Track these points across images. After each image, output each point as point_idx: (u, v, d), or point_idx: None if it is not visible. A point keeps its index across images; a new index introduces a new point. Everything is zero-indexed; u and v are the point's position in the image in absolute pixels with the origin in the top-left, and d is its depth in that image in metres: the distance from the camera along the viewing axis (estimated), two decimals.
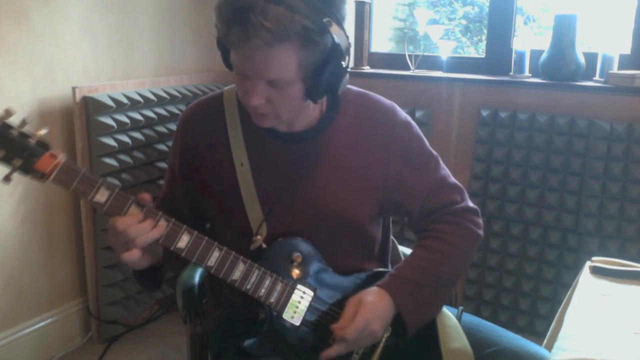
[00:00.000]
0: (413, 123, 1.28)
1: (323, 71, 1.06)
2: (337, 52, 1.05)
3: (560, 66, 2.15)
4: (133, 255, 1.05)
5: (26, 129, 1.02)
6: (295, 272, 1.18)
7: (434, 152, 1.30)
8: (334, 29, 1.03)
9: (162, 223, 1.06)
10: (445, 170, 1.30)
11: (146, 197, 1.07)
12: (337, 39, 1.04)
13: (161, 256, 1.16)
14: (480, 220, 1.30)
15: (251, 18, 0.97)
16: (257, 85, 1.06)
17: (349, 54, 1.09)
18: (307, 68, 1.06)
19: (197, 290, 1.41)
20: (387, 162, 1.23)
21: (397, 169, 1.23)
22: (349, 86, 1.28)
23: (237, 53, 1.05)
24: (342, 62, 1.08)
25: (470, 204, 1.30)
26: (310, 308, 1.18)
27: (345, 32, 1.08)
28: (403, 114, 1.28)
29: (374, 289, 1.19)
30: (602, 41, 2.18)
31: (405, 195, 1.25)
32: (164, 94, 2.37)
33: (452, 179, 1.30)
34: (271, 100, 1.09)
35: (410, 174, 1.24)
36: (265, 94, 1.07)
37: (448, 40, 2.57)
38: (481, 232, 1.29)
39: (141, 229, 1.04)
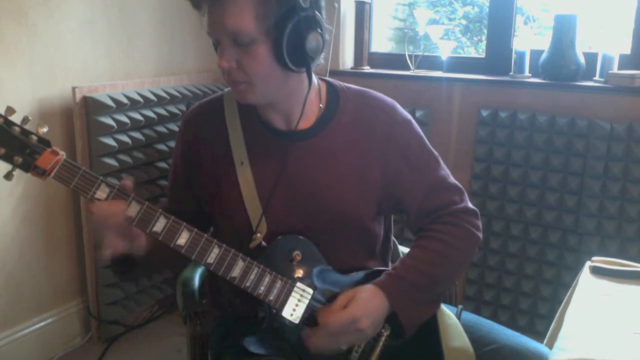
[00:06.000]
0: (413, 121, 1.27)
1: (284, 27, 1.05)
2: (297, 7, 1.05)
3: (560, 66, 2.15)
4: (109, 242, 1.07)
5: (27, 127, 1.02)
6: (295, 271, 1.18)
7: (435, 152, 1.29)
8: None
9: (135, 205, 1.07)
10: (446, 170, 1.29)
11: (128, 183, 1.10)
12: None
13: (142, 254, 1.15)
14: (479, 223, 1.29)
15: None
16: (225, 45, 1.08)
17: (315, 17, 1.08)
18: (267, 22, 1.05)
19: (197, 290, 1.41)
20: (387, 160, 1.22)
21: (396, 166, 1.23)
22: (349, 85, 1.28)
23: (204, 16, 1.07)
24: (313, 25, 1.08)
25: (470, 205, 1.29)
26: (310, 306, 1.18)
27: None
28: (403, 112, 1.28)
29: (369, 286, 1.18)
30: (602, 41, 2.18)
31: (403, 192, 1.25)
32: (164, 94, 2.37)
33: (452, 180, 1.29)
34: (241, 63, 1.09)
35: (409, 171, 1.24)
36: (233, 56, 1.08)
37: (448, 40, 2.57)
38: (480, 234, 1.28)
39: (109, 207, 1.05)
